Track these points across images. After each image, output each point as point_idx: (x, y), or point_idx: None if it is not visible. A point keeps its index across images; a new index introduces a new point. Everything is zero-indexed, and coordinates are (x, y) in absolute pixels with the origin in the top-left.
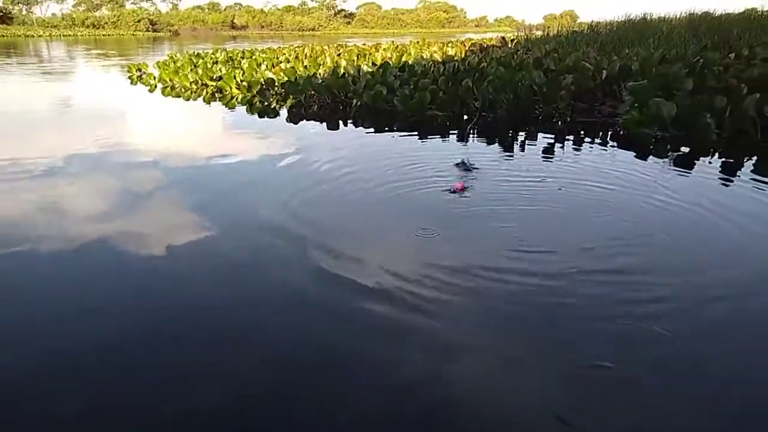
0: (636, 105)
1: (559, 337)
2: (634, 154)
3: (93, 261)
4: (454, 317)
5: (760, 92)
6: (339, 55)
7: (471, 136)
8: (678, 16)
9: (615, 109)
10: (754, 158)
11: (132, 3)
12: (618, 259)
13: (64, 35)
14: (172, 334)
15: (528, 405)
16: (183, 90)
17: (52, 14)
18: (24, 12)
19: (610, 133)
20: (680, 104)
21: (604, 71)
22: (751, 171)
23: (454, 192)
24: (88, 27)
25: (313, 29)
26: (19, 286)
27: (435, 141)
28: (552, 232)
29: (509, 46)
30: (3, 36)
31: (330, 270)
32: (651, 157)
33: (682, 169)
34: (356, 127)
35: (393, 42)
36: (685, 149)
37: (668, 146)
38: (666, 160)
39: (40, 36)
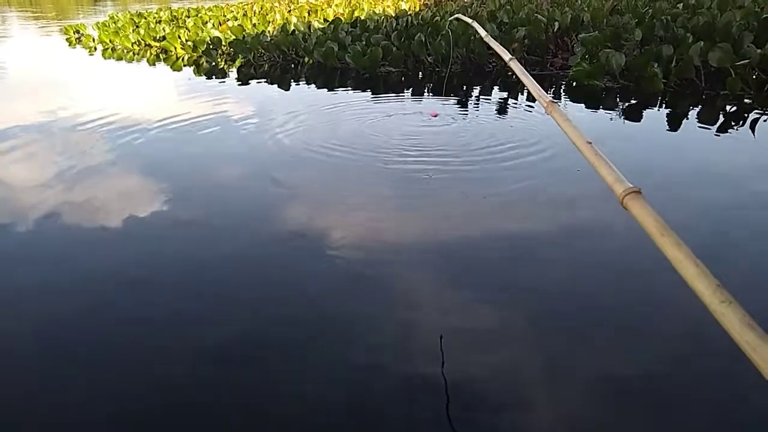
0: (586, 56)
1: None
2: (584, 105)
3: (39, 235)
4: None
5: (704, 41)
6: (289, 11)
7: (429, 91)
8: None
9: (567, 62)
10: (699, 106)
11: None
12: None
13: None
14: (124, 306)
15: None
16: (125, 52)
17: None
18: None
19: (562, 85)
20: (629, 55)
21: (557, 23)
22: (696, 118)
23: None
24: None
25: None
26: None
27: (389, 98)
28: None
29: None
30: None
31: (293, 232)
32: (600, 108)
33: (631, 120)
34: (308, 85)
35: None
36: (633, 100)
37: (617, 97)
38: (615, 111)
39: None
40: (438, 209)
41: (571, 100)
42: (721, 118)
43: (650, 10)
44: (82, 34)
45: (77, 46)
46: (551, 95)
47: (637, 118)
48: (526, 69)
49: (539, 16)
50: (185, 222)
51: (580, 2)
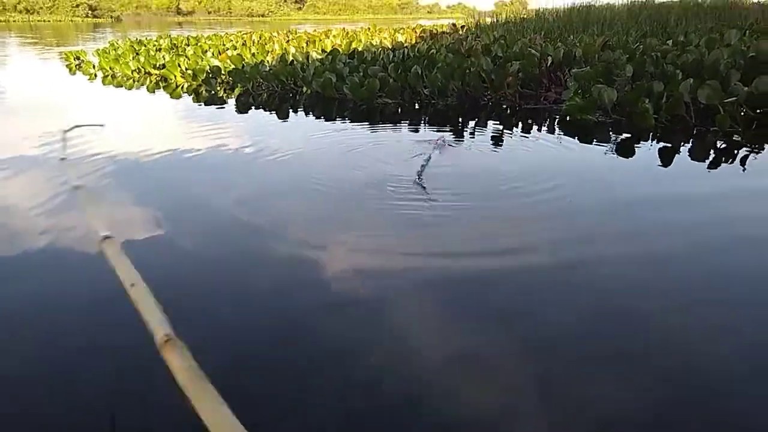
0: (579, 91)
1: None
2: (578, 139)
3: (32, 257)
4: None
5: (693, 77)
6: (288, 41)
7: (423, 123)
8: (620, 4)
9: (560, 96)
10: (690, 142)
11: None
12: (549, 241)
13: None
14: (114, 332)
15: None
16: (125, 79)
17: None
18: None
19: (556, 119)
20: (620, 90)
21: (550, 58)
22: (687, 153)
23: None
24: (21, 12)
25: (262, 15)
26: None
27: (386, 129)
28: (499, 219)
29: (459, 32)
30: None
31: (283, 259)
32: (592, 142)
33: (622, 155)
34: (306, 115)
35: (344, 28)
36: (626, 134)
37: (610, 131)
38: (608, 145)
39: None
40: (432, 237)
41: (564, 134)
42: (712, 154)
43: (641, 47)
44: (83, 61)
45: (77, 72)
46: (545, 128)
47: (629, 152)
48: (520, 102)
49: (533, 51)
50: (173, 248)
51: (572, 38)
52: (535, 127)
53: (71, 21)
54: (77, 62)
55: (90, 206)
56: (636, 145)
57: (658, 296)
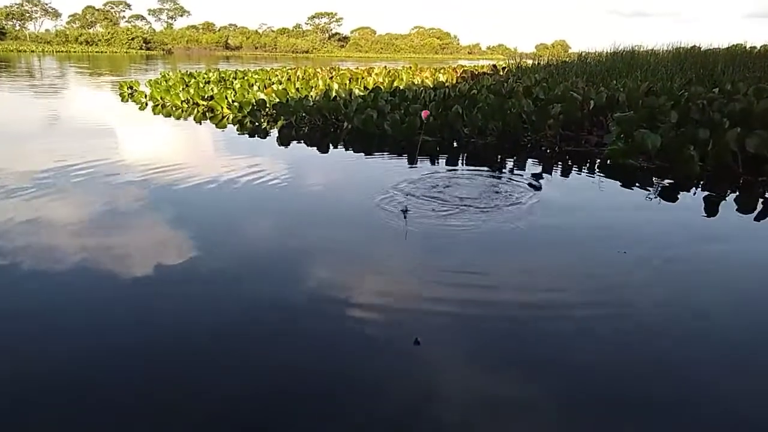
0: (622, 135)
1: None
2: (620, 184)
3: (70, 279)
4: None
5: (741, 126)
6: (331, 78)
7: (461, 161)
8: (665, 50)
9: (601, 139)
10: (737, 192)
11: (126, 21)
12: (593, 293)
13: (56, 51)
14: (150, 358)
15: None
16: (174, 108)
17: (46, 30)
18: (17, 27)
19: (597, 162)
20: (665, 136)
21: (592, 101)
22: (734, 203)
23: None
24: (81, 44)
25: (306, 52)
26: None
27: (425, 165)
28: (533, 265)
29: (500, 74)
30: None
31: (316, 292)
32: (635, 187)
33: (666, 201)
34: (346, 150)
35: (385, 67)
36: (669, 181)
37: (653, 177)
38: (650, 190)
39: (32, 51)
40: (466, 276)
41: (606, 177)
42: (760, 205)
43: (686, 94)
44: (135, 90)
45: (129, 101)
46: (586, 171)
47: (672, 199)
48: (560, 144)
49: (575, 94)
50: (205, 275)
51: (615, 82)
52: (575, 170)
53: (126, 53)
54: (129, 91)
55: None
56: (680, 193)
57: (698, 353)
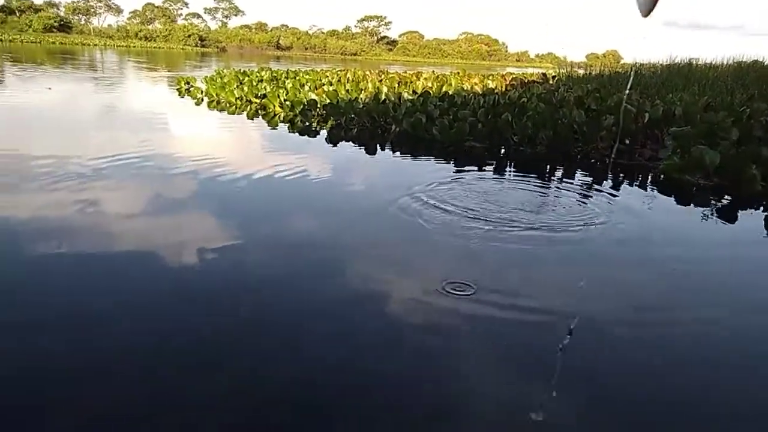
0: (678, 151)
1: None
2: (674, 200)
3: (116, 264)
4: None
5: None
6: (381, 81)
7: (508, 168)
8: (725, 64)
9: (656, 153)
10: None
11: (184, 19)
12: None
13: (117, 45)
14: (189, 344)
15: None
16: (228, 105)
17: (108, 25)
18: (83, 22)
19: (649, 177)
20: (725, 153)
21: (647, 114)
22: None
23: None
24: (140, 39)
25: (355, 54)
26: (47, 283)
27: (472, 172)
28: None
29: (550, 82)
30: (62, 44)
31: (351, 290)
32: (691, 205)
33: (724, 220)
34: (393, 152)
35: (433, 71)
36: (727, 199)
37: (710, 195)
38: (707, 209)
39: (95, 45)
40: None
41: (659, 193)
42: None
43: (748, 110)
44: (192, 86)
45: (186, 96)
46: (638, 185)
47: (731, 218)
48: (612, 157)
49: (629, 106)
50: (245, 263)
51: (671, 96)
52: (626, 183)
53: (182, 49)
54: (186, 87)
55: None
56: (739, 212)
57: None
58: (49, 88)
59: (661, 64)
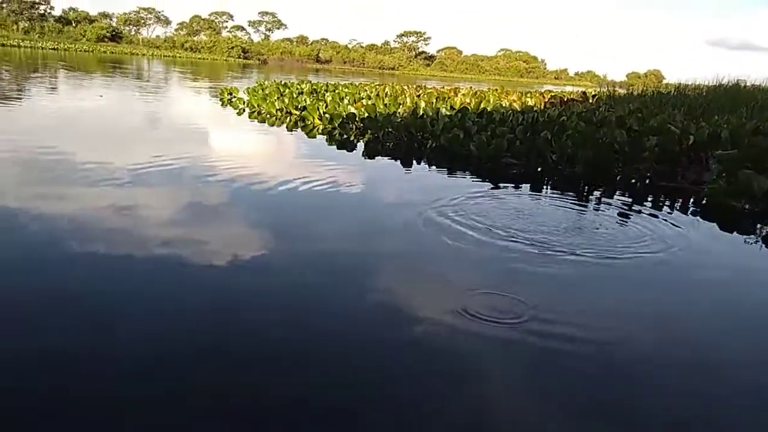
0: (724, 175)
1: None
2: (718, 225)
3: (143, 264)
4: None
5: None
6: (419, 96)
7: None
8: None
9: (700, 177)
10: None
11: (228, 31)
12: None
13: (164, 55)
14: (217, 350)
15: None
16: (269, 116)
17: (156, 36)
18: (133, 32)
19: (692, 200)
20: None
21: (691, 136)
22: None
23: None
24: (186, 50)
25: (393, 68)
26: (84, 282)
27: (508, 189)
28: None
29: (590, 101)
30: (112, 53)
31: (377, 303)
32: (736, 231)
33: None
34: (429, 167)
35: (471, 87)
36: None
37: (757, 222)
38: (753, 236)
39: (143, 55)
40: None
41: (702, 218)
42: None
43: None
44: (234, 96)
45: (228, 106)
46: (679, 209)
47: None
48: (654, 179)
49: (672, 127)
50: (273, 275)
51: (717, 118)
52: (667, 206)
53: (225, 60)
54: (229, 97)
55: None
56: None
57: None
58: (101, 96)
59: (706, 85)
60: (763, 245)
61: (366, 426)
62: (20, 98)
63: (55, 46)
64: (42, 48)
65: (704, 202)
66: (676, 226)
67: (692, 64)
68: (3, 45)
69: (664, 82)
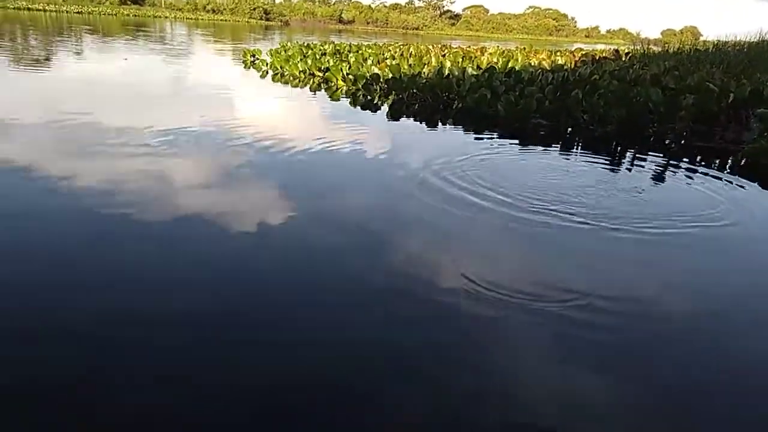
0: (765, 134)
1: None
2: (759, 185)
3: (168, 229)
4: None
5: None
6: (444, 56)
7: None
8: None
9: (739, 136)
10: None
11: None
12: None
13: (186, 18)
14: (234, 312)
15: None
16: (292, 78)
17: None
18: None
19: (731, 160)
20: None
21: (731, 94)
22: None
23: None
24: (208, 12)
25: (417, 28)
26: (102, 244)
27: (536, 150)
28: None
29: (623, 59)
30: (135, 16)
31: (397, 269)
32: None
33: None
34: (455, 128)
35: (498, 47)
36: None
37: None
38: None
39: (166, 17)
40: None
41: (741, 177)
42: None
43: None
44: (257, 58)
45: (251, 68)
46: (716, 169)
47: None
48: (690, 138)
49: (711, 85)
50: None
51: (759, 75)
52: (703, 166)
53: (247, 22)
54: (252, 59)
55: None
56: None
57: None
58: (125, 59)
59: (748, 42)
60: None
61: (370, 389)
62: (48, 63)
63: (80, 10)
64: (66, 12)
65: (743, 162)
66: (714, 188)
67: (732, 20)
68: (29, 9)
69: (701, 39)
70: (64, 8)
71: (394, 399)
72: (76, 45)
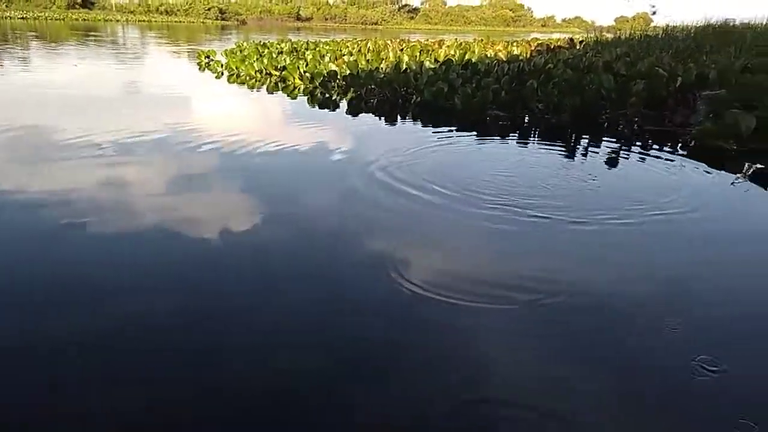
0: (711, 115)
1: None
2: (706, 166)
3: (134, 236)
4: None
5: None
6: (402, 50)
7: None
8: (764, 24)
9: (687, 119)
10: None
11: None
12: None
13: (139, 21)
14: (198, 318)
15: None
16: (248, 78)
17: (129, 0)
18: None
19: (680, 143)
20: (762, 117)
21: (679, 78)
22: None
23: None
24: (161, 13)
25: (376, 23)
26: (62, 255)
27: (494, 141)
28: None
29: (577, 47)
30: (85, 20)
31: (364, 265)
32: (723, 171)
33: (758, 186)
34: (414, 122)
35: (456, 39)
36: (761, 166)
37: (744, 162)
38: (739, 175)
39: (117, 21)
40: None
41: (690, 159)
42: None
43: None
44: (212, 60)
45: (206, 70)
46: (667, 152)
47: (766, 184)
48: (641, 123)
49: (660, 70)
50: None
51: (705, 58)
52: (655, 149)
53: (202, 23)
54: (207, 61)
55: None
56: None
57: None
58: (75, 65)
59: (695, 26)
60: (750, 183)
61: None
62: None
63: (24, 15)
64: (9, 18)
65: (692, 144)
66: (664, 170)
67: (681, 5)
68: None
69: (652, 25)
70: (7, 14)
71: (342, 399)
72: (22, 52)
